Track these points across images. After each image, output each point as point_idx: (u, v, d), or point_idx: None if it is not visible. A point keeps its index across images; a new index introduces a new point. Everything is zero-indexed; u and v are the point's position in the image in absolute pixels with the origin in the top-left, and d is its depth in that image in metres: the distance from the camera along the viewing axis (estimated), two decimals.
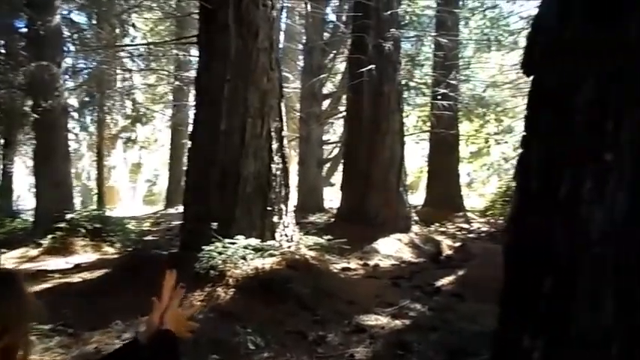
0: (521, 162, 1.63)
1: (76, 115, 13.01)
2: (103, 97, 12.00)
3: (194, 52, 9.47)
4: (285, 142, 4.87)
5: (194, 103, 5.28)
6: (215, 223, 4.23)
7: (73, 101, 13.42)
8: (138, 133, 17.85)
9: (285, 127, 4.92)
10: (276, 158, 4.69)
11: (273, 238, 4.52)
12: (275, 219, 4.63)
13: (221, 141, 4.58)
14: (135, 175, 23.33)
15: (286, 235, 4.68)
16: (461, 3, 11.32)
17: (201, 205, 4.63)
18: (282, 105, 4.93)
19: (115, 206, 15.61)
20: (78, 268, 5.68)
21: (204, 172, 4.67)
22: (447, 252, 6.79)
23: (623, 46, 1.33)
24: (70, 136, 10.86)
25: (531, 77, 1.69)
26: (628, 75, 1.32)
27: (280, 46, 11.36)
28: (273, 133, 4.68)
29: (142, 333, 1.04)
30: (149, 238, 8.60)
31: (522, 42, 11.54)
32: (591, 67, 1.41)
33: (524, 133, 1.67)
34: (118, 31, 12.09)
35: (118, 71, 12.73)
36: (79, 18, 11.65)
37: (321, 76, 9.61)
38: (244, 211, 4.52)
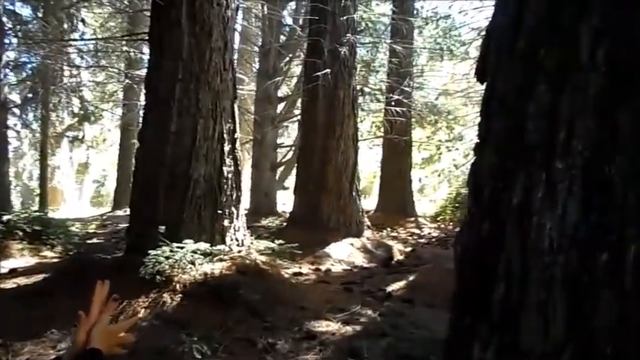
0: (474, 168, 1.64)
1: (17, 111, 12.35)
2: (47, 94, 11.42)
3: (146, 49, 9.18)
4: (237, 144, 4.77)
5: (144, 102, 5.09)
6: (163, 227, 4.09)
7: (15, 97, 12.74)
8: (85, 132, 17.14)
9: (238, 129, 4.83)
10: (228, 161, 4.58)
11: (224, 243, 4.41)
12: (226, 223, 4.52)
13: (171, 142, 4.44)
14: (82, 176, 22.42)
15: (237, 240, 4.58)
16: (415, 12, 11.59)
17: (149, 208, 4.46)
18: (236, 106, 4.84)
19: (58, 207, 14.93)
20: (13, 273, 5.33)
21: (152, 173, 4.50)
22: (399, 257, 6.87)
23: (575, 58, 1.35)
24: (11, 133, 10.27)
25: (484, 84, 1.70)
26: (579, 86, 1.34)
27: (236, 47, 11.21)
28: (225, 135, 4.57)
29: (66, 352, 0.95)
30: (94, 241, 8.23)
31: (473, 52, 11.96)
32: (544, 76, 1.43)
33: (477, 140, 1.68)
34: (65, 25, 11.57)
35: (66, 67, 12.19)
36: (23, 10, 11.07)
37: (277, 79, 9.54)
38: (194, 215, 4.39)
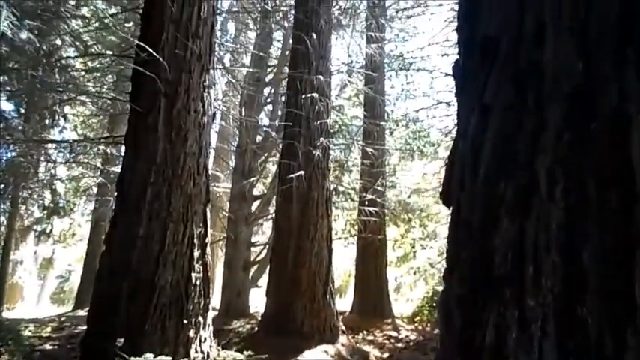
0: (445, 297, 1.59)
1: None
2: (18, 189, 11.25)
3: (123, 148, 9.27)
4: (207, 249, 4.66)
5: (115, 204, 5.02)
6: (122, 339, 3.82)
7: None
8: (54, 225, 16.69)
9: (209, 234, 4.74)
10: (197, 266, 4.44)
11: (188, 355, 4.13)
12: (191, 333, 4.27)
13: (139, 246, 4.31)
14: (45, 271, 21.43)
15: (202, 351, 4.30)
16: (386, 115, 12.20)
17: (109, 317, 4.20)
18: (208, 210, 4.79)
19: (14, 306, 14.08)
20: None
21: (116, 279, 4.30)
22: None
23: (535, 193, 1.37)
24: None
25: (450, 209, 1.71)
26: (541, 220, 1.34)
27: (213, 146, 11.45)
28: (195, 240, 4.48)
29: None
30: (47, 347, 7.63)
31: (442, 152, 12.50)
32: (506, 208, 1.44)
33: (446, 267, 1.65)
34: (47, 121, 11.75)
35: (42, 160, 12.18)
36: (7, 105, 11.24)
37: (252, 179, 9.65)
38: (157, 325, 4.15)
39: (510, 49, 1.60)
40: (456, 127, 1.93)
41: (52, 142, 10.75)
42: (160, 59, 4.46)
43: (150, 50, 4.34)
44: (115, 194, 4.91)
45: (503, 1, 1.61)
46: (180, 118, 4.61)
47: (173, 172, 4.49)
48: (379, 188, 9.78)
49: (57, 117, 12.02)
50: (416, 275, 13.42)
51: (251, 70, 9.79)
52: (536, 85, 1.47)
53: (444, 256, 1.70)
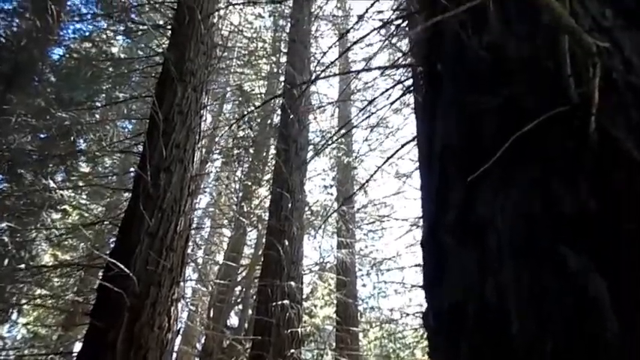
0: None
1: None
2: None
3: None
4: None
5: None
6: None
7: None
8: None
9: None
10: None
11: None
12: None
13: None
14: None
15: None
16: (359, 315, 11.94)
17: None
18: None
19: None
20: None
21: None
22: None
23: None
24: None
25: None
26: None
27: (176, 348, 10.74)
28: None
29: None
30: None
31: (419, 355, 11.93)
32: None
33: None
34: None
35: None
36: None
37: None
38: None
39: (476, 318, 1.64)
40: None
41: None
42: (130, 274, 4.43)
43: (121, 267, 4.33)
44: None
45: (465, 266, 1.70)
46: (142, 336, 4.36)
47: None
48: None
49: (11, 311, 11.37)
50: None
51: (222, 272, 9.79)
52: None
53: None
